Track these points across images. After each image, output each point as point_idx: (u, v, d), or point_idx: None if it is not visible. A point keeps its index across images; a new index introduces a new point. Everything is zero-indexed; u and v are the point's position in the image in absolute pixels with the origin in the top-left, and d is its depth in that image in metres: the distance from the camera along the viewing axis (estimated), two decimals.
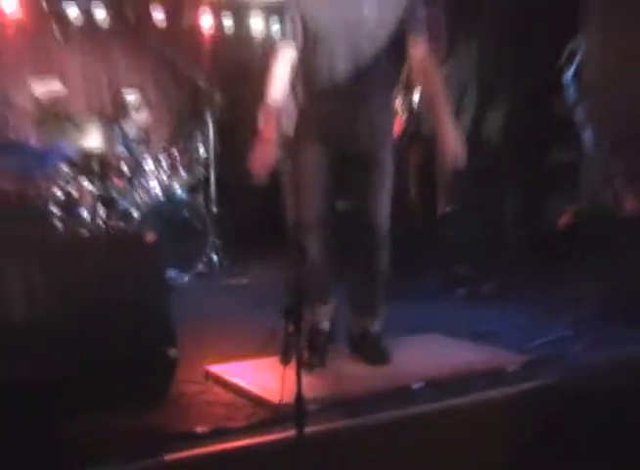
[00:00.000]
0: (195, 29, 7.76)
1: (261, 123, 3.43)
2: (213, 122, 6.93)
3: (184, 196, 6.52)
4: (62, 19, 7.12)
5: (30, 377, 2.67)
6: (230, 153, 7.27)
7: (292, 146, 3.54)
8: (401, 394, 3.22)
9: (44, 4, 7.03)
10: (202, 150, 6.88)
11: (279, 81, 3.45)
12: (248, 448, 2.67)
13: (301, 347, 2.61)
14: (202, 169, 6.85)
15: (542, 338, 4.06)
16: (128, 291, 2.90)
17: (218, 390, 3.37)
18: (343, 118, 3.46)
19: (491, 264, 5.53)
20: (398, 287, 4.05)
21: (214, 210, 6.86)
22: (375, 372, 3.51)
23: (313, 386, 3.11)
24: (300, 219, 3.52)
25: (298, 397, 2.54)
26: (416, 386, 3.31)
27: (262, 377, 3.36)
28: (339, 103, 3.44)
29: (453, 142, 3.48)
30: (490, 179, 5.90)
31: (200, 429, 2.78)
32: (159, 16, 7.55)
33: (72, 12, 7.18)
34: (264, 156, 3.40)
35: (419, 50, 3.48)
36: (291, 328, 2.52)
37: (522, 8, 5.40)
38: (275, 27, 7.95)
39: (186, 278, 6.18)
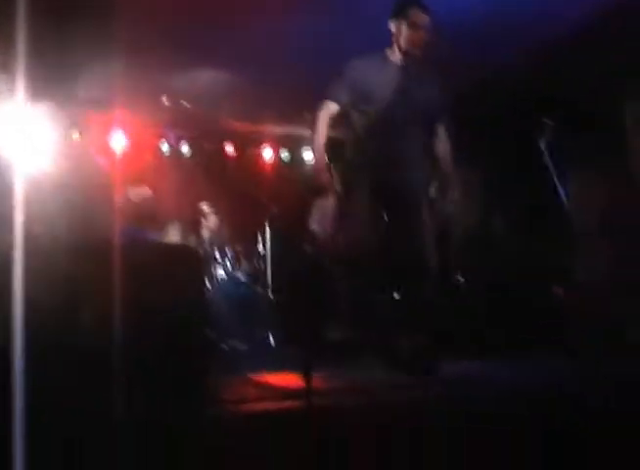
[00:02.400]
0: (258, 159, 8.12)
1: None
2: (270, 227, 7.18)
3: (245, 280, 6.70)
4: (157, 151, 7.59)
5: None
6: (282, 251, 7.53)
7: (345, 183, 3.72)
8: None
9: (144, 140, 7.54)
10: (261, 248, 7.13)
11: (323, 128, 3.75)
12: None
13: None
14: (260, 263, 7.05)
15: None
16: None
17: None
18: (389, 163, 3.67)
19: None
20: None
21: (270, 295, 7.01)
22: None
23: None
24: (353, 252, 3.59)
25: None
26: None
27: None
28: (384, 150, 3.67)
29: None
30: None
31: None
32: (229, 149, 7.97)
33: (165, 147, 7.66)
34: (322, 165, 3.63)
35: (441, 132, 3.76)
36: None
37: None
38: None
39: (245, 347, 6.26)
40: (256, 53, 5.65)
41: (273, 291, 7.08)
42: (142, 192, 5.95)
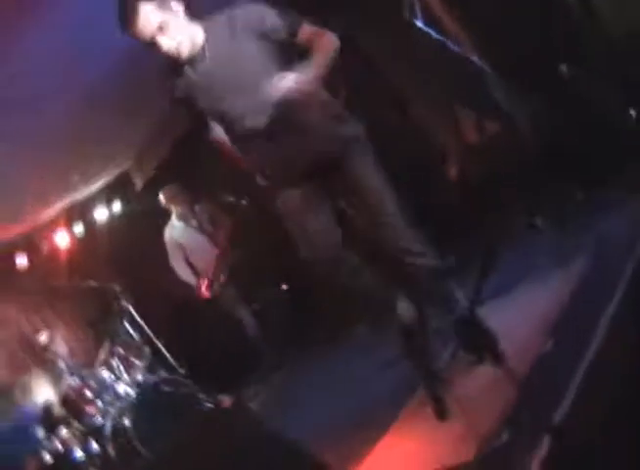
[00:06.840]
0: (55, 250, 6.62)
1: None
2: (132, 306, 5.79)
3: (150, 379, 5.33)
4: None
5: None
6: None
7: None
8: None
9: None
10: (134, 334, 5.73)
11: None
12: None
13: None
14: (147, 349, 5.69)
15: None
16: None
17: None
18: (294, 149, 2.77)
19: None
20: None
21: (182, 371, 5.70)
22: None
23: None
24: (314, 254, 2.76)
25: None
26: None
27: None
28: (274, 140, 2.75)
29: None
30: None
31: None
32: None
33: None
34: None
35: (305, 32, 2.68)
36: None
37: None
38: (117, 207, 6.95)
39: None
40: None
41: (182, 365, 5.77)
42: None
